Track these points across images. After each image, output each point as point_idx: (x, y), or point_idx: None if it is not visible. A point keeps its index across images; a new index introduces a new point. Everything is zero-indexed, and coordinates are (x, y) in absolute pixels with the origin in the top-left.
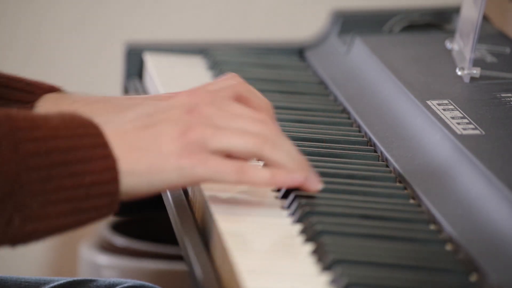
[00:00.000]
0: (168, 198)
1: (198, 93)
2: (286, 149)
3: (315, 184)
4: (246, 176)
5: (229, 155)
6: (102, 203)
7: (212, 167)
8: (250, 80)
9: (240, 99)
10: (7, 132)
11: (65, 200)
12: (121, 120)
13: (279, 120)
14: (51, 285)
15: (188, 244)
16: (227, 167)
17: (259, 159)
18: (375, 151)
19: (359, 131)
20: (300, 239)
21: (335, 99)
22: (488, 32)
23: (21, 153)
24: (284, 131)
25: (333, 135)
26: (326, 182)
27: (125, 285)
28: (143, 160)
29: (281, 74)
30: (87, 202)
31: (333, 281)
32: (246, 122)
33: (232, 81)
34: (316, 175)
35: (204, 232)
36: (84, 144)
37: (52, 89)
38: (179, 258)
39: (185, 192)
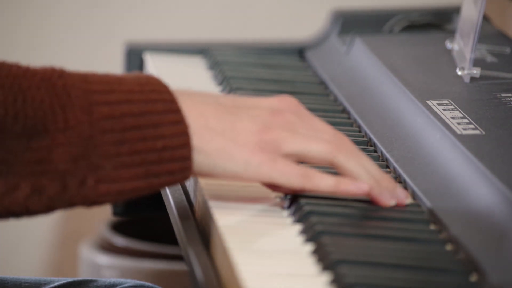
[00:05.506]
0: (170, 201)
1: (287, 100)
2: (363, 162)
3: (386, 199)
4: (310, 182)
5: (301, 162)
6: (175, 167)
7: (279, 168)
8: (250, 80)
9: None
10: (82, 94)
11: (138, 164)
12: (204, 99)
13: None
14: (51, 285)
15: (190, 247)
16: (293, 170)
17: (331, 166)
18: (375, 151)
19: (359, 131)
20: (300, 239)
21: (335, 99)
22: (488, 32)
23: (95, 115)
24: None
25: None
26: None
27: (125, 285)
28: (215, 142)
29: (281, 74)
30: (160, 166)
31: (333, 281)
32: (325, 134)
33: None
34: (400, 192)
35: (205, 233)
36: (157, 109)
37: None
38: (179, 258)
39: (185, 192)
